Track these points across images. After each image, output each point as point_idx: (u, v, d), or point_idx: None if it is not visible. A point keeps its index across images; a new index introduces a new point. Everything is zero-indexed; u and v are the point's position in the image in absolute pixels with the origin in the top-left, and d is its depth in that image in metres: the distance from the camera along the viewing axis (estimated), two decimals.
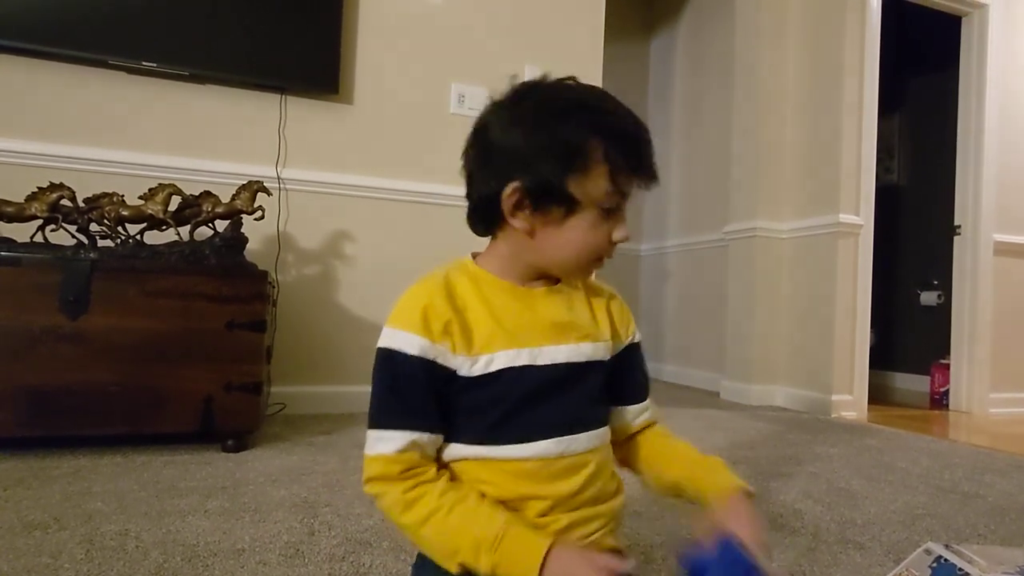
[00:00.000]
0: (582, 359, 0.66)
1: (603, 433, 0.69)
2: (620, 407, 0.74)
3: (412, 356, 0.61)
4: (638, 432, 0.75)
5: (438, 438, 0.63)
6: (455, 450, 0.63)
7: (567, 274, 0.68)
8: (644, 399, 0.75)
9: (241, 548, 0.95)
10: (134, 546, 0.94)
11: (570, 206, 0.62)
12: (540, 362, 0.64)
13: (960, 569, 0.70)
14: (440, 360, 0.61)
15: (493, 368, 0.62)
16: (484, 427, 0.63)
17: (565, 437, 0.64)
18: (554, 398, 0.64)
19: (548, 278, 0.69)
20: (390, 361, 0.62)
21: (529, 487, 0.62)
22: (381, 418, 0.62)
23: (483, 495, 0.61)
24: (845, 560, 1.00)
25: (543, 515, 0.62)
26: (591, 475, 0.65)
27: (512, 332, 0.64)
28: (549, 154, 0.61)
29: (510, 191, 0.61)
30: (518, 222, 0.63)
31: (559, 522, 0.62)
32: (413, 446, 0.60)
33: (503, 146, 0.63)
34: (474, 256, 0.70)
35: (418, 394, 0.62)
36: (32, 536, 0.96)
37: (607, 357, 0.70)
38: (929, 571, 0.73)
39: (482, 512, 0.58)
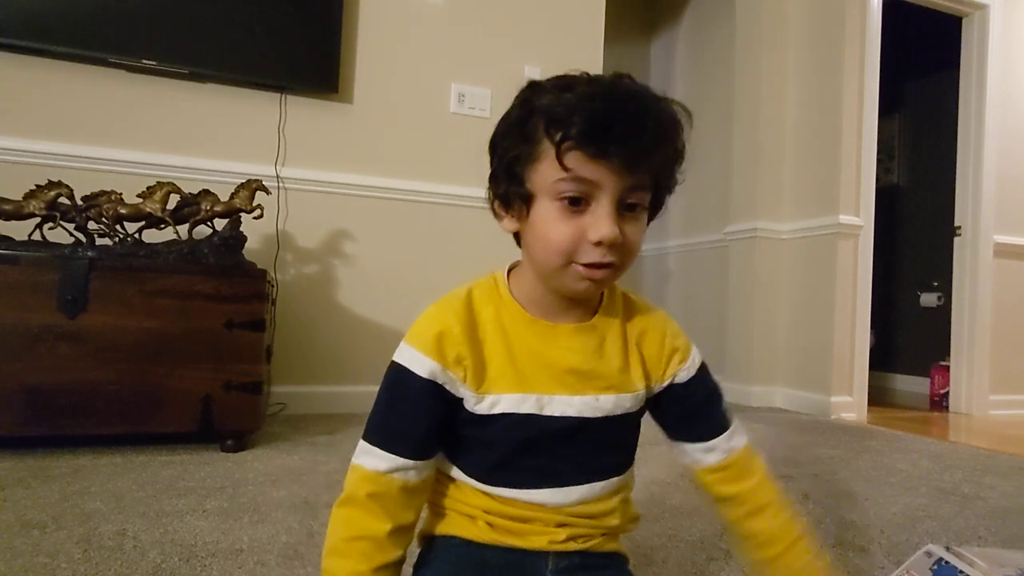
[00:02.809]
0: (599, 414, 0.60)
1: (617, 482, 0.64)
2: (679, 443, 0.68)
3: (421, 377, 0.58)
4: (720, 470, 0.66)
5: (427, 464, 0.60)
6: (458, 474, 0.62)
7: (554, 284, 0.59)
8: (708, 438, 0.66)
9: (239, 548, 0.95)
10: (132, 546, 0.94)
11: (526, 196, 0.57)
12: (548, 412, 0.59)
13: (961, 571, 0.70)
14: (449, 387, 0.59)
15: (496, 410, 0.59)
16: (483, 467, 0.61)
17: (565, 488, 0.60)
18: (559, 449, 0.60)
19: (581, 308, 0.62)
20: (399, 377, 0.59)
21: (531, 515, 0.61)
22: (375, 433, 0.60)
23: (463, 516, 0.61)
24: (845, 562, 1.00)
25: (545, 524, 0.61)
26: (599, 514, 0.63)
27: (524, 374, 0.59)
28: (503, 140, 0.58)
29: (488, 187, 0.60)
30: (503, 223, 0.61)
31: (556, 534, 0.61)
32: (398, 470, 0.58)
33: (490, 139, 0.61)
34: (511, 270, 0.64)
35: (418, 419, 0.59)
36: (30, 535, 0.96)
37: (637, 407, 0.63)
38: (930, 573, 0.72)
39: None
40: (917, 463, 1.76)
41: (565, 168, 0.53)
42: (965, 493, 1.47)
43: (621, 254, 0.56)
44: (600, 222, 0.53)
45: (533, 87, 0.57)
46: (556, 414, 0.59)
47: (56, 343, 1.42)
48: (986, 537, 1.17)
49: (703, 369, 0.67)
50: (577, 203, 0.54)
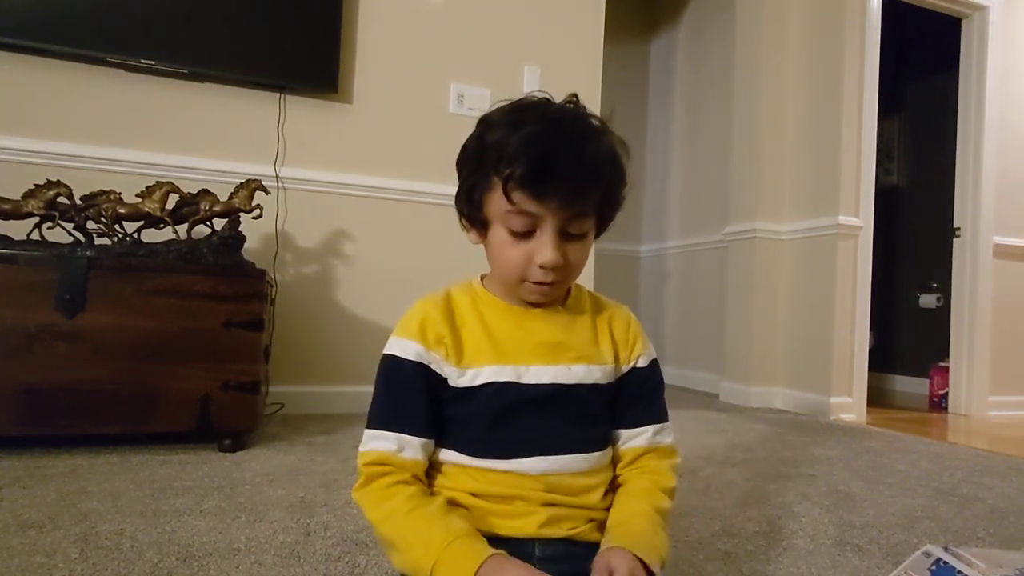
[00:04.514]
0: (572, 380, 0.67)
1: (599, 456, 0.68)
2: (614, 430, 0.72)
3: (409, 361, 0.65)
4: (631, 463, 0.71)
5: (429, 443, 0.65)
6: (446, 455, 0.66)
7: (514, 293, 0.68)
8: (637, 425, 0.72)
9: (237, 548, 0.95)
10: (129, 545, 0.94)
11: (483, 221, 0.66)
12: (525, 380, 0.65)
13: (959, 572, 0.70)
14: (434, 366, 0.65)
15: (478, 382, 0.65)
16: (471, 439, 0.65)
17: (549, 457, 0.64)
18: (539, 416, 0.65)
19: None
20: (391, 365, 0.66)
21: (516, 492, 0.63)
22: (378, 418, 0.65)
23: (449, 503, 0.62)
24: (844, 562, 1.00)
25: (529, 503, 0.63)
26: (580, 490, 0.65)
27: (501, 349, 0.66)
28: (464, 167, 0.67)
29: (455, 203, 0.69)
30: (469, 236, 0.69)
31: (540, 515, 0.63)
32: (404, 448, 0.64)
33: (456, 160, 0.69)
34: (484, 276, 0.73)
35: (413, 398, 0.65)
36: (27, 535, 0.96)
37: (607, 380, 0.69)
38: (929, 574, 0.72)
39: (436, 520, 0.59)
40: (916, 464, 1.76)
41: (512, 202, 0.61)
42: (964, 494, 1.46)
43: (564, 272, 0.64)
44: (544, 248, 0.62)
45: (486, 123, 0.64)
46: (533, 382, 0.65)
47: (54, 342, 1.42)
48: (984, 538, 1.17)
49: (657, 362, 0.76)
50: (526, 234, 0.63)
